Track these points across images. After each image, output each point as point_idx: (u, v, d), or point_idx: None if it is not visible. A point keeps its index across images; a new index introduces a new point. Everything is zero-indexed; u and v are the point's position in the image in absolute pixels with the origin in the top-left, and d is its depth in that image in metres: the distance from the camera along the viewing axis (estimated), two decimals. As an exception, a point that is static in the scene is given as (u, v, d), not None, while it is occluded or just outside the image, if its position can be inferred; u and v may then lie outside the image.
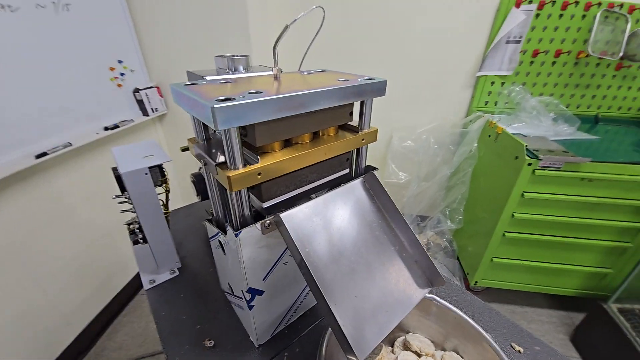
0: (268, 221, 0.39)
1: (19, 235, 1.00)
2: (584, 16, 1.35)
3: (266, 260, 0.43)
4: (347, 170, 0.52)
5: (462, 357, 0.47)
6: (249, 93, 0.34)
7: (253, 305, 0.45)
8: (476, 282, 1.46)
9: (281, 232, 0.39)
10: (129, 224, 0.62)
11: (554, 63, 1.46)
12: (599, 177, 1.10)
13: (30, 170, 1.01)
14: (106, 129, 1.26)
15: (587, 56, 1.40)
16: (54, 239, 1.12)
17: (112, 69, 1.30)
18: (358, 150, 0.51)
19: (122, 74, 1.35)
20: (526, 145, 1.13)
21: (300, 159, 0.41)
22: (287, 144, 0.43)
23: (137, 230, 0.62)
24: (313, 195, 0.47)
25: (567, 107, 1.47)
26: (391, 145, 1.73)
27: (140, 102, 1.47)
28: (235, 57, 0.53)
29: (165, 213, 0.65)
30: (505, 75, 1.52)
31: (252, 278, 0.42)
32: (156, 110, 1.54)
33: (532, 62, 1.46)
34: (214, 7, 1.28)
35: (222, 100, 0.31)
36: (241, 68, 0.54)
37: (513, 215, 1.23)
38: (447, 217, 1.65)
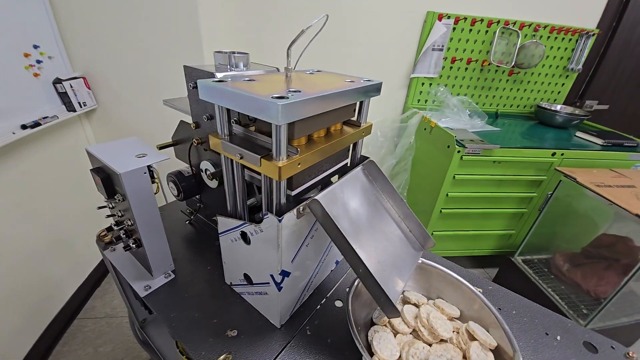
0: (302, 207, 0.44)
1: None
2: (486, 31, 1.69)
3: (295, 243, 0.47)
4: (348, 160, 0.59)
5: (446, 301, 0.59)
6: (290, 91, 0.38)
7: (282, 287, 0.49)
8: (420, 254, 1.71)
9: (315, 213, 0.44)
10: (124, 232, 0.58)
11: (466, 69, 1.78)
12: (505, 160, 1.42)
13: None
14: (24, 127, 1.05)
15: (489, 64, 1.76)
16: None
17: (26, 55, 1.08)
18: (356, 142, 0.59)
19: (38, 61, 1.14)
20: (455, 137, 1.38)
21: (322, 151, 0.46)
22: (309, 138, 0.48)
23: (124, 235, 0.58)
24: (333, 180, 0.53)
25: (477, 105, 1.82)
26: (342, 139, 1.86)
27: (63, 95, 1.26)
28: (236, 55, 0.55)
29: (154, 215, 0.61)
30: (432, 78, 1.80)
31: (285, 261, 0.46)
32: (84, 105, 1.34)
33: (451, 67, 1.76)
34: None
35: (277, 97, 0.34)
36: (242, 65, 0.56)
37: (447, 195, 1.49)
38: (393, 202, 1.87)
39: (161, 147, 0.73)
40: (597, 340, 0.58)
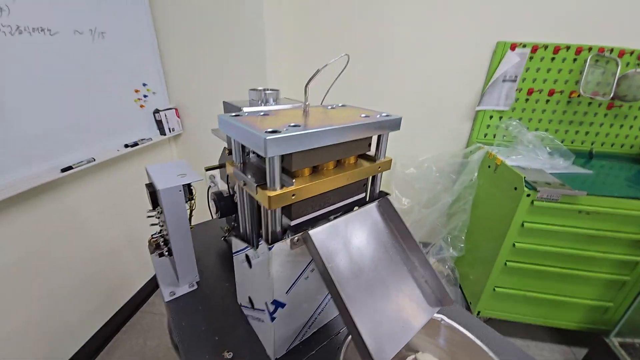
0: (297, 237, 0.44)
1: (35, 244, 1.04)
2: (575, 59, 1.47)
3: (290, 274, 0.47)
4: (363, 195, 0.57)
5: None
6: (290, 126, 0.40)
7: (275, 317, 0.48)
8: (479, 312, 1.46)
9: (308, 248, 0.44)
10: (156, 238, 0.67)
11: (547, 101, 1.56)
12: (595, 210, 1.15)
13: (54, 184, 1.06)
14: (126, 146, 1.33)
15: (578, 96, 1.50)
16: (66, 251, 1.15)
17: (136, 90, 1.39)
18: (374, 177, 0.56)
19: (145, 96, 1.45)
20: (525, 177, 1.19)
21: (326, 183, 0.46)
22: (314, 169, 0.49)
23: (162, 243, 0.66)
24: (331, 217, 0.52)
25: (562, 142, 1.55)
26: (394, 172, 1.80)
27: (159, 122, 1.55)
28: (267, 91, 0.61)
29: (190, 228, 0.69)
30: (503, 111, 1.62)
31: (277, 290, 0.46)
32: (173, 130, 1.62)
33: (527, 100, 1.57)
34: (233, 36, 1.40)
35: (270, 132, 0.37)
36: (271, 100, 0.61)
37: (514, 245, 1.27)
38: (449, 245, 1.68)
39: (208, 169, 0.83)
40: None
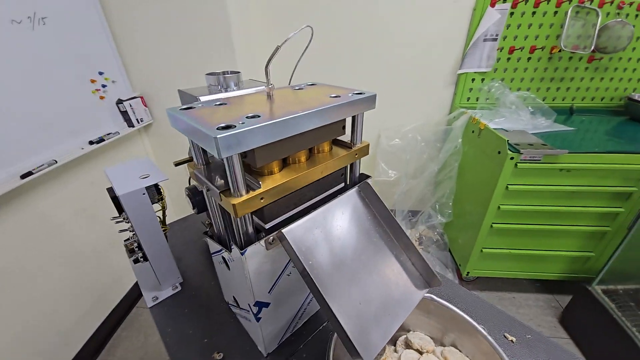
0: (272, 237, 0.41)
1: (10, 257, 0.98)
2: (555, 12, 1.41)
3: (271, 274, 0.45)
4: (342, 184, 0.54)
5: (460, 350, 0.50)
6: (247, 118, 0.35)
7: (260, 317, 0.46)
8: (468, 272, 1.52)
9: (284, 247, 0.41)
10: (128, 243, 0.62)
11: (529, 59, 1.52)
12: (576, 167, 1.16)
13: (16, 192, 0.98)
14: (91, 142, 1.24)
15: (560, 51, 1.46)
16: (45, 259, 1.10)
17: (93, 81, 1.27)
18: (352, 163, 0.53)
19: (103, 86, 1.33)
20: (508, 140, 1.18)
21: (298, 179, 0.43)
22: (284, 163, 0.44)
23: (137, 248, 0.62)
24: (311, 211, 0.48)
25: (543, 101, 1.53)
26: (380, 145, 1.77)
27: (124, 113, 1.44)
28: (227, 75, 0.54)
29: (163, 229, 0.65)
30: (485, 72, 1.58)
31: (258, 292, 0.44)
32: (141, 121, 1.52)
33: (509, 59, 1.52)
34: (195, 15, 1.27)
35: (223, 128, 0.32)
36: (232, 85, 0.55)
37: (499, 207, 1.29)
38: (437, 212, 1.70)
39: (177, 164, 0.77)
40: None
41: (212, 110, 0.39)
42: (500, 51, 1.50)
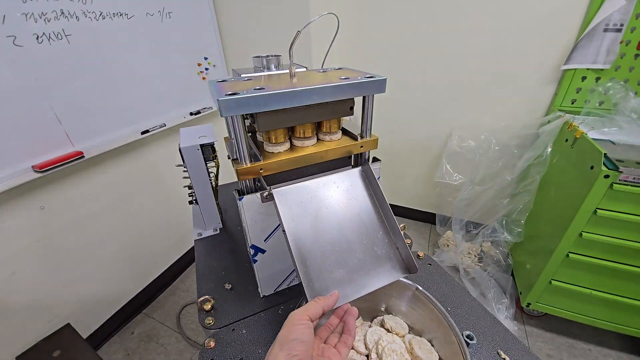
0: (266, 193, 0.49)
1: (126, 190, 1.35)
2: None
3: (267, 225, 0.53)
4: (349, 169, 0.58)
5: (433, 346, 0.49)
6: (254, 89, 0.43)
7: (257, 260, 0.56)
8: (529, 303, 1.31)
9: (274, 205, 0.48)
10: (187, 187, 0.81)
11: (670, 55, 1.15)
12: None
13: (136, 144, 1.34)
14: (191, 114, 1.55)
15: None
16: (149, 196, 1.46)
17: (199, 64, 1.58)
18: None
19: (206, 69, 1.63)
20: (605, 154, 0.96)
21: (298, 160, 0.49)
22: (291, 145, 0.51)
23: (192, 193, 0.80)
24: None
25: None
26: (448, 145, 1.64)
27: (219, 93, 1.74)
28: (269, 57, 0.64)
29: (215, 184, 0.81)
30: (602, 70, 1.28)
31: (254, 237, 0.53)
32: (231, 100, 1.80)
33: (637, 56, 1.19)
34: (281, 7, 1.42)
35: (230, 94, 0.41)
36: (273, 66, 0.64)
37: (581, 234, 1.06)
38: (504, 228, 1.50)
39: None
40: None
41: (237, 83, 0.49)
42: (626, 45, 1.19)
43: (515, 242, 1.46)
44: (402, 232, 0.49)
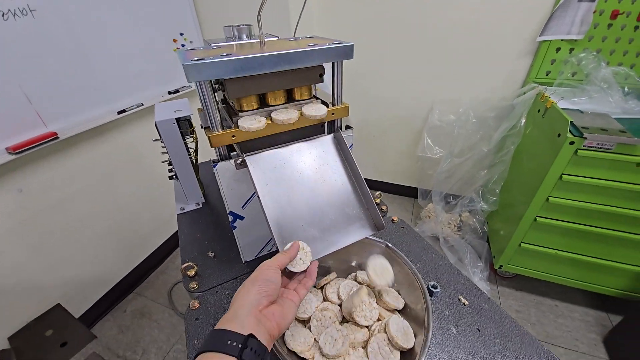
0: (239, 160, 0.51)
1: (106, 171, 1.33)
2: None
3: (243, 192, 0.55)
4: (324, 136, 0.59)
5: (401, 297, 0.53)
6: (221, 56, 0.44)
7: (235, 227, 0.58)
8: (501, 265, 1.40)
9: (247, 170, 0.50)
10: (169, 163, 0.81)
11: (636, 27, 1.19)
12: (664, 164, 0.93)
13: (113, 124, 1.31)
14: (170, 92, 1.52)
15: (695, 13, 1.11)
16: (129, 178, 1.45)
17: (175, 40, 1.52)
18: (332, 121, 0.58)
19: (182, 45, 1.57)
20: (571, 121, 1.01)
21: (270, 128, 0.50)
22: (263, 105, 0.52)
23: (172, 168, 0.81)
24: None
25: (648, 80, 1.21)
26: (430, 119, 1.67)
27: (198, 70, 1.69)
28: (240, 27, 0.63)
29: (194, 159, 0.82)
30: (575, 40, 1.31)
31: (232, 204, 0.55)
32: (211, 78, 1.75)
33: (610, 25, 1.22)
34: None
35: (196, 60, 0.41)
36: (244, 36, 0.64)
37: (548, 199, 1.13)
38: (481, 198, 1.57)
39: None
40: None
41: (206, 51, 0.49)
42: (600, 15, 1.21)
43: (491, 210, 1.54)
44: (371, 195, 0.52)
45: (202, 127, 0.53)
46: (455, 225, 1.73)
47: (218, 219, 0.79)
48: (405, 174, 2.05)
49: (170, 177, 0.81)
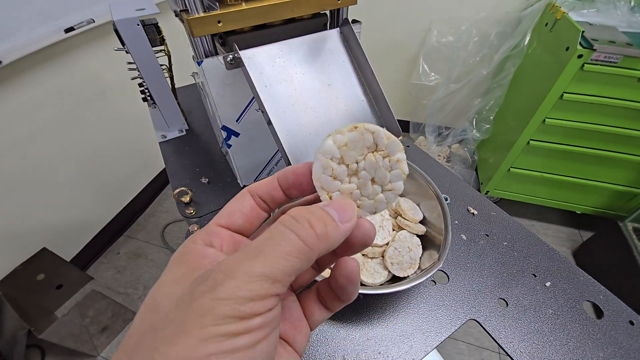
0: (230, 56, 0.41)
1: (65, 106, 1.16)
2: None
3: (237, 101, 0.47)
4: (327, 30, 0.49)
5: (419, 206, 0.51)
6: None
7: (231, 145, 0.52)
8: (487, 191, 1.45)
9: (242, 71, 0.41)
10: (140, 84, 0.69)
11: None
12: (667, 77, 0.91)
13: (64, 45, 1.09)
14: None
15: None
16: (95, 112, 1.27)
17: None
18: (337, 10, 0.47)
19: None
20: (583, 32, 0.93)
21: (264, 11, 0.40)
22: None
23: (146, 89, 0.69)
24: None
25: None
26: (427, 41, 1.53)
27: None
28: None
29: (169, 77, 0.70)
30: (595, -61, 1.14)
31: (224, 117, 0.48)
32: None
33: None
34: None
35: None
36: None
37: (544, 121, 1.12)
38: (474, 126, 1.55)
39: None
40: (604, 300, 0.42)
41: None
42: None
43: (483, 139, 1.53)
44: (385, 97, 0.45)
45: (175, 15, 0.42)
46: (444, 157, 1.74)
47: (207, 145, 0.71)
48: (398, 107, 1.96)
49: (144, 99, 0.70)
